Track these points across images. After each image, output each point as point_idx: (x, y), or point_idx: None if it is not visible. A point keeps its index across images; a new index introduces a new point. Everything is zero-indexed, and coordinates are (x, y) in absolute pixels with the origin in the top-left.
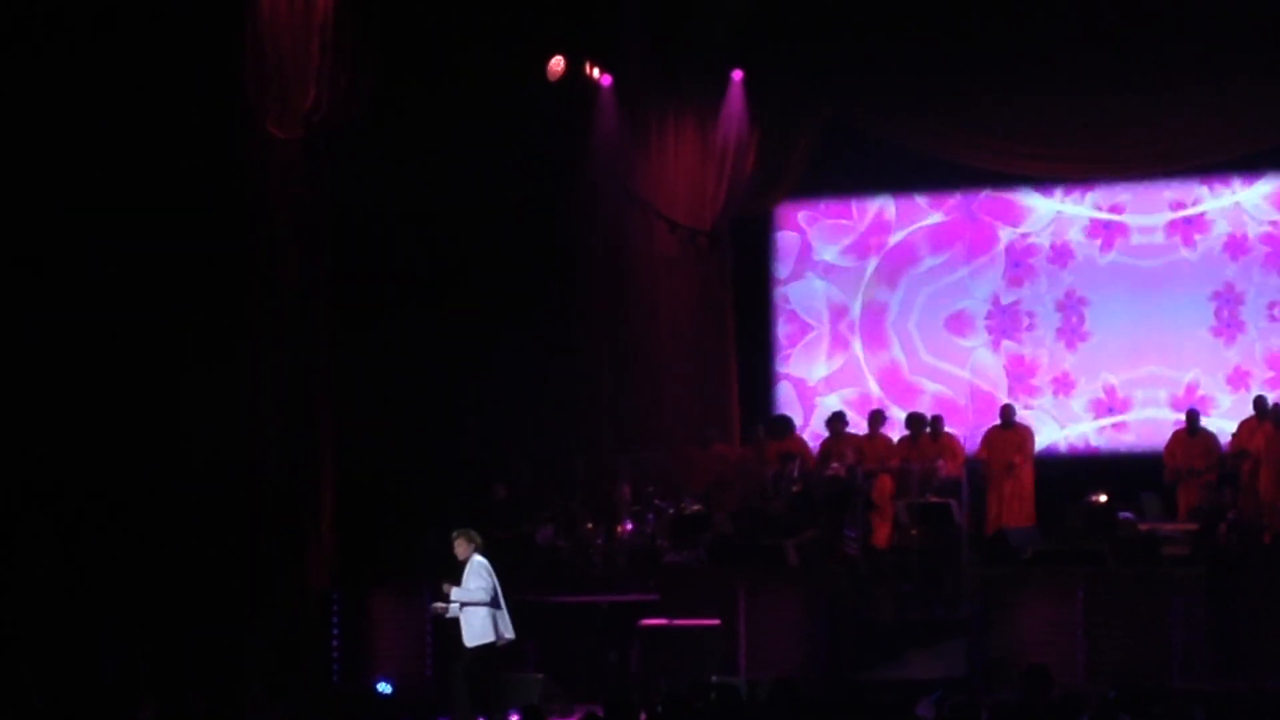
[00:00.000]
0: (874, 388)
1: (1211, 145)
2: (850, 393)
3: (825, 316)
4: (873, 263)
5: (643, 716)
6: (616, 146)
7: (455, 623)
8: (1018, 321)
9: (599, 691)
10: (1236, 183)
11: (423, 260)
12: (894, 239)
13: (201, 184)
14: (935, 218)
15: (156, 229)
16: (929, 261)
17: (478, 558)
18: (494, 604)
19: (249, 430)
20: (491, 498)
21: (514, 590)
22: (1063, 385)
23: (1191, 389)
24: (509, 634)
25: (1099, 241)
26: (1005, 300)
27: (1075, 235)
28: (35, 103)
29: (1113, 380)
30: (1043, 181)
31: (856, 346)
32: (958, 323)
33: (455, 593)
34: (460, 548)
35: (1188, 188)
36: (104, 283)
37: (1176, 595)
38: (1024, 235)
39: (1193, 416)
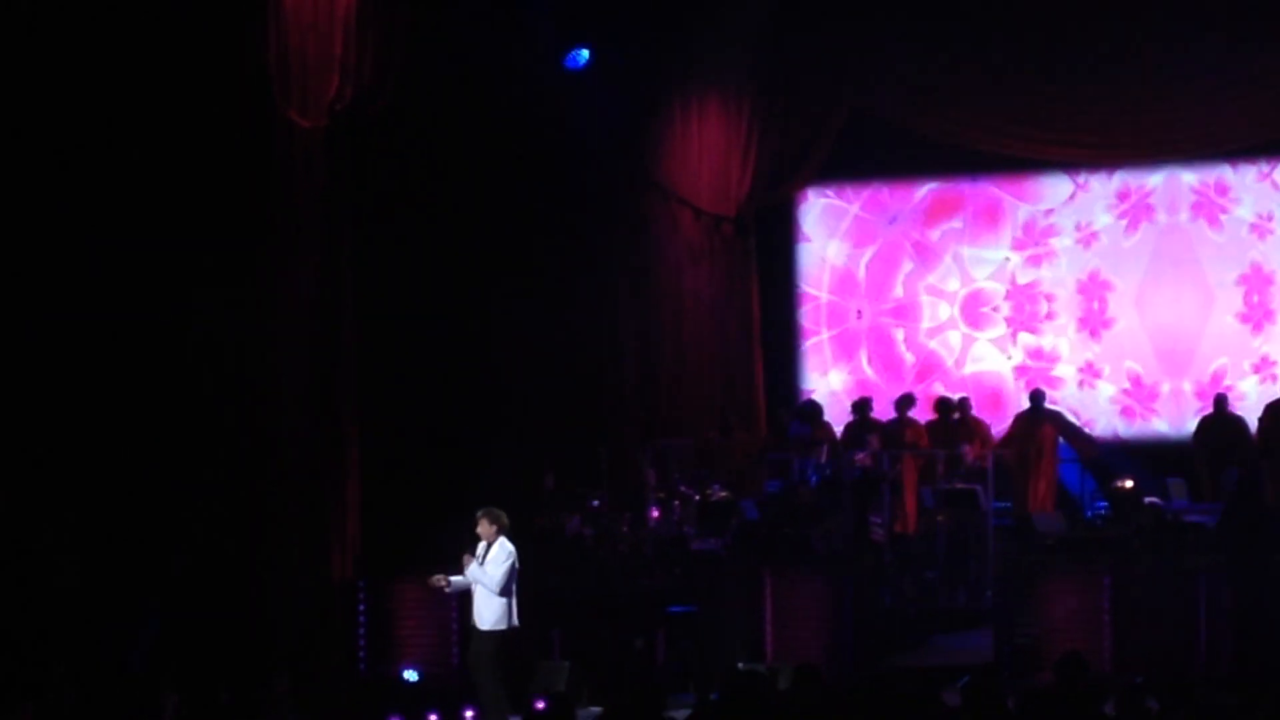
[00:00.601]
0: (899, 372)
1: (1239, 130)
2: (875, 378)
3: (850, 301)
4: (899, 247)
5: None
6: (640, 135)
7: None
8: (1037, 307)
9: (625, 679)
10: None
11: (444, 250)
12: (918, 224)
13: (224, 172)
14: (957, 201)
15: (179, 217)
16: (952, 246)
17: (505, 542)
18: (505, 592)
19: (273, 420)
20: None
21: (540, 578)
22: (1088, 375)
23: (1218, 377)
24: (516, 622)
25: (1124, 223)
26: (1023, 281)
27: (1100, 217)
28: (60, 89)
29: (1138, 369)
30: (1068, 167)
31: (881, 331)
32: (979, 306)
33: (471, 570)
34: (483, 527)
35: (1214, 170)
36: (124, 274)
37: (1203, 581)
38: (1046, 214)
39: (1220, 401)
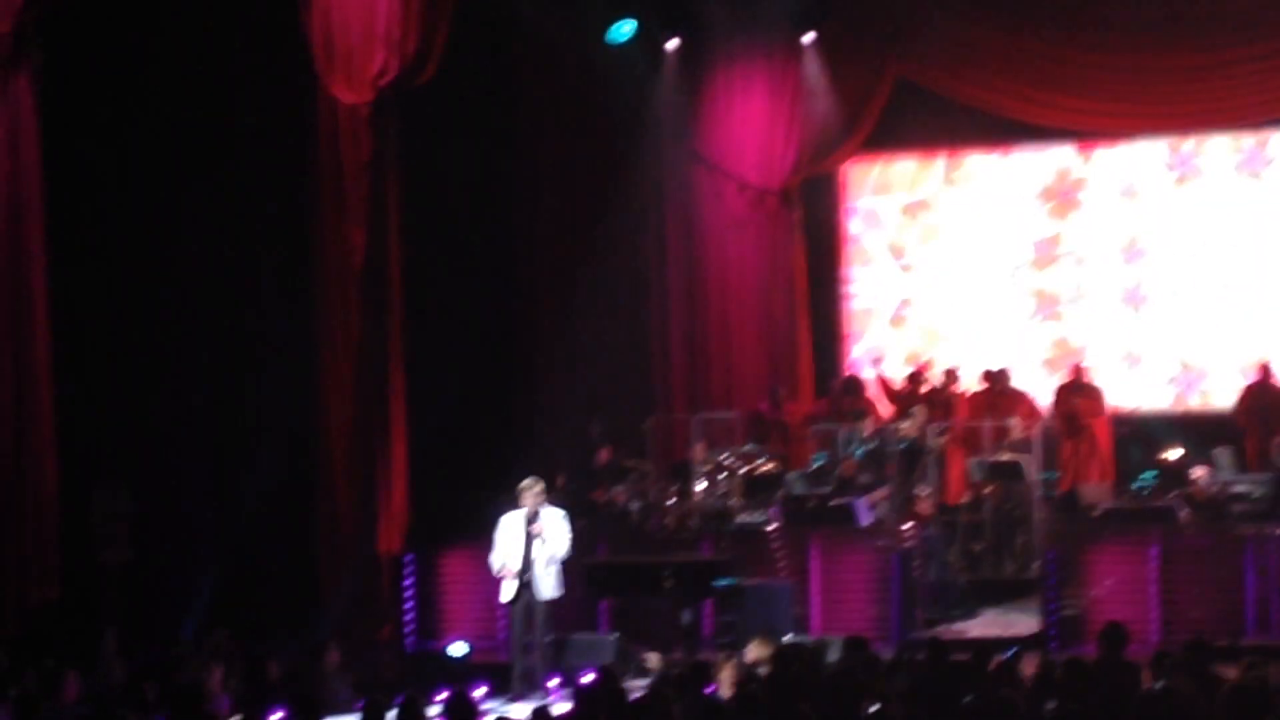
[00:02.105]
0: (943, 344)
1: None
2: (920, 349)
3: (896, 274)
4: (942, 218)
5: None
6: (684, 108)
7: (527, 577)
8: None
9: (673, 651)
10: None
11: (492, 224)
12: (962, 194)
13: (271, 150)
14: (1003, 172)
15: (226, 193)
16: (995, 219)
17: (553, 508)
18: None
19: (321, 395)
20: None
21: (587, 551)
22: (1131, 359)
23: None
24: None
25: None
26: (1067, 257)
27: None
28: (106, 71)
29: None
30: (1110, 136)
31: (927, 303)
32: (1021, 280)
33: (538, 541)
34: (530, 498)
35: (1261, 137)
36: (176, 255)
37: (1251, 551)
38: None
39: (1264, 370)
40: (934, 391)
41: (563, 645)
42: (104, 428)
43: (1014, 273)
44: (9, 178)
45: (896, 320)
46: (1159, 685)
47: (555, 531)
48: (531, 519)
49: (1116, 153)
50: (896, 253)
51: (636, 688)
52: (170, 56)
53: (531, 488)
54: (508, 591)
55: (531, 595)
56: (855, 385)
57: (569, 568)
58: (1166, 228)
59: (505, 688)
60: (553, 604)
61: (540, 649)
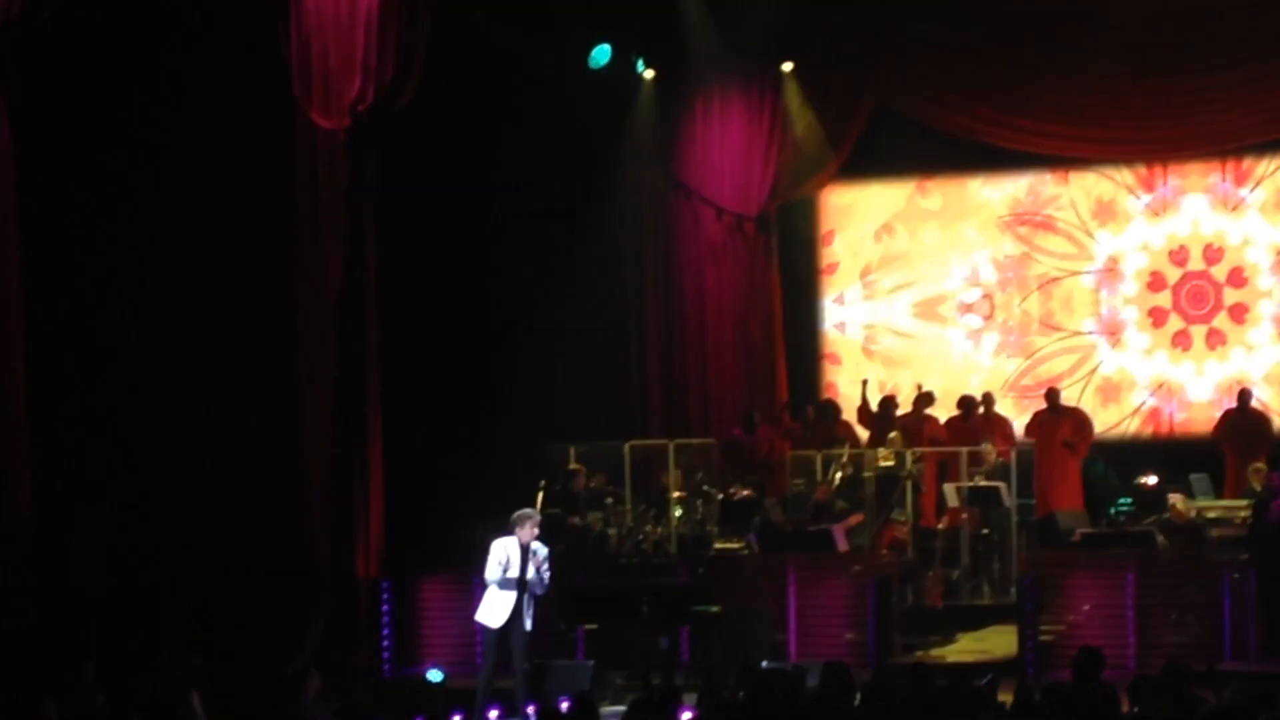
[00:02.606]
0: (922, 369)
1: (1267, 125)
2: (898, 374)
3: (873, 301)
4: (921, 245)
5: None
6: (663, 134)
7: (518, 608)
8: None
9: (649, 678)
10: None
11: (467, 250)
12: (940, 221)
13: (249, 175)
14: (983, 200)
15: (204, 218)
16: (977, 244)
17: (539, 545)
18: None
19: (299, 420)
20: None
21: (563, 577)
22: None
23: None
24: None
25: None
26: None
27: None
28: (83, 96)
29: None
30: (1092, 164)
31: (904, 328)
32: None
33: (530, 576)
34: (526, 531)
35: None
36: (148, 279)
37: (1227, 578)
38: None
39: (1244, 396)
40: (909, 416)
41: (540, 672)
42: (80, 452)
43: (986, 297)
44: None
45: (870, 346)
46: (1136, 711)
47: (541, 566)
48: (528, 550)
49: (1090, 178)
50: (870, 279)
51: (613, 713)
52: (148, 80)
53: (530, 518)
54: (497, 617)
55: (519, 625)
56: (830, 410)
57: (547, 594)
58: (1144, 251)
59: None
60: (531, 635)
61: (521, 675)
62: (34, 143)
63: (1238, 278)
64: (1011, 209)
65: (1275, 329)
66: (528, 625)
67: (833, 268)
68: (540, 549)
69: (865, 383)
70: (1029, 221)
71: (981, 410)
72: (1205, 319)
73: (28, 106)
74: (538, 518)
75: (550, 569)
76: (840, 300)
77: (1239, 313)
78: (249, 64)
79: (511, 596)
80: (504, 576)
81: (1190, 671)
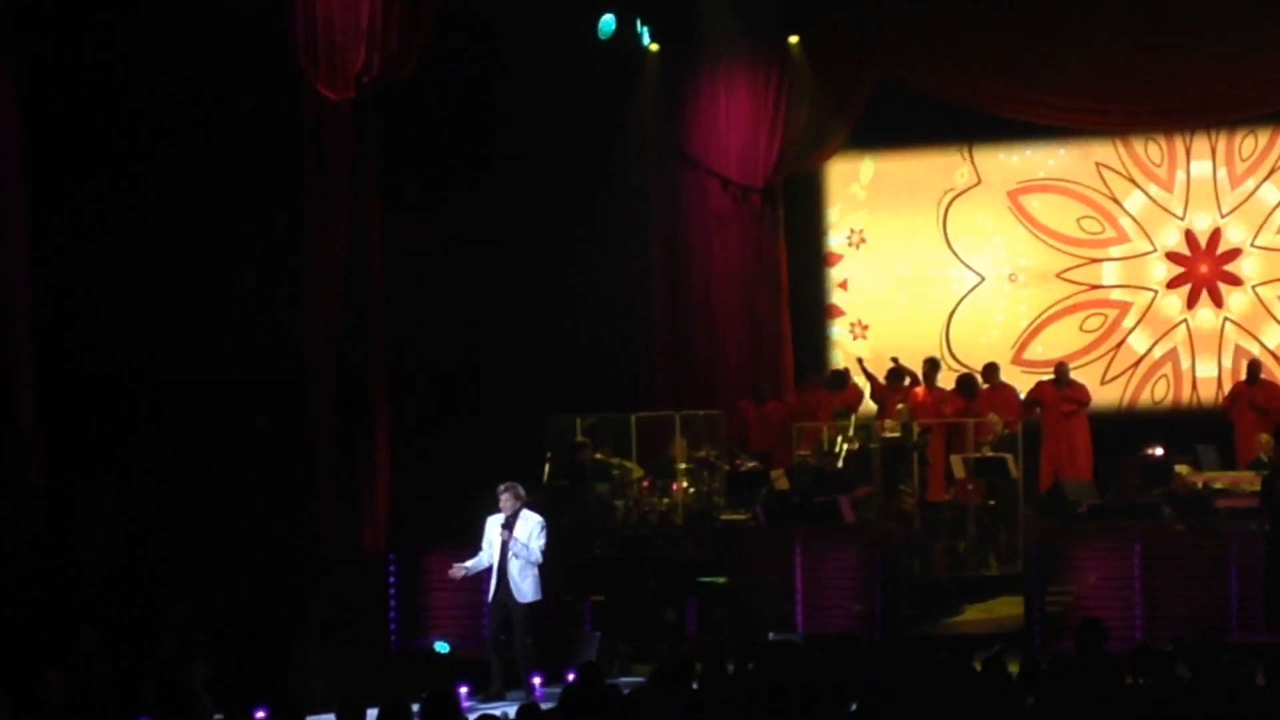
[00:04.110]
0: (927, 338)
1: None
2: (903, 345)
3: (877, 270)
4: (926, 216)
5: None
6: (668, 105)
7: (503, 580)
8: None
9: (656, 650)
10: None
11: (473, 222)
12: (949, 193)
13: (253, 145)
14: (986, 171)
15: (209, 189)
16: (981, 219)
17: (530, 513)
18: (538, 564)
19: (304, 392)
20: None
21: (572, 549)
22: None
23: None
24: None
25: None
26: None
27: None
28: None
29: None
30: (1098, 135)
31: (906, 299)
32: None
33: (512, 545)
34: (506, 501)
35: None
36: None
37: (1234, 549)
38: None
39: (1254, 367)
40: (915, 387)
41: (546, 643)
42: (86, 424)
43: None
44: None
45: (877, 316)
46: (1140, 681)
47: (530, 535)
48: (508, 523)
49: (1096, 148)
50: (876, 248)
51: (621, 685)
52: (153, 52)
53: (509, 489)
54: (491, 588)
55: (509, 598)
56: (839, 380)
57: (552, 565)
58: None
59: (485, 687)
60: (531, 606)
61: (521, 649)
62: (38, 113)
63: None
64: (1021, 178)
65: None
66: (523, 597)
67: (839, 238)
68: (532, 516)
69: (861, 361)
70: (1041, 188)
71: (987, 380)
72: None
73: (31, 78)
74: (518, 488)
75: (545, 537)
76: (844, 272)
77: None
78: (253, 36)
79: (502, 567)
80: (492, 550)
81: (1197, 643)
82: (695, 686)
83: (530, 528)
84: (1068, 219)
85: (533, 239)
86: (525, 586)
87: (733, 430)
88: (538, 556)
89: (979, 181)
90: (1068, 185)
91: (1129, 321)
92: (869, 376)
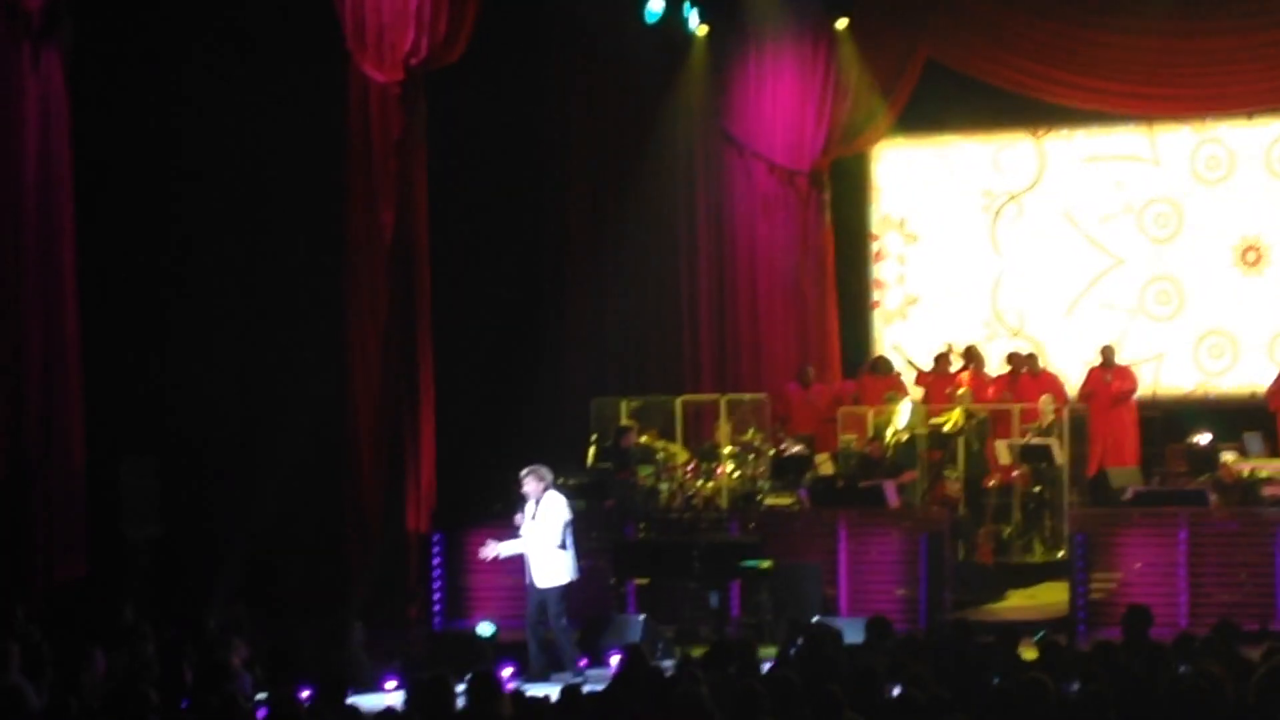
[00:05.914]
0: (974, 326)
1: None
2: (949, 331)
3: (923, 255)
4: (972, 201)
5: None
6: (715, 88)
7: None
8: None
9: (700, 633)
10: None
11: (520, 204)
12: (994, 178)
13: (302, 126)
14: (1035, 156)
15: (257, 170)
16: (1029, 201)
17: (554, 496)
18: (563, 546)
19: (349, 373)
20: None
21: (615, 532)
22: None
23: None
24: (575, 575)
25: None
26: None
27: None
28: (136, 48)
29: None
30: (1142, 120)
31: (954, 284)
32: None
33: (526, 529)
34: (530, 485)
35: None
36: (200, 232)
37: None
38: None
39: None
40: (961, 373)
41: (591, 625)
42: (133, 403)
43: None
44: (40, 152)
45: (924, 303)
46: (1185, 668)
47: (550, 518)
48: (539, 504)
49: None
50: (923, 235)
51: (665, 668)
52: (202, 34)
53: (533, 472)
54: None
55: (536, 578)
56: (884, 366)
57: (598, 548)
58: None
59: (528, 669)
60: (562, 589)
61: (557, 631)
62: (88, 95)
63: None
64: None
65: None
66: (546, 581)
67: (885, 222)
68: (557, 499)
69: (901, 349)
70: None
71: (1031, 368)
72: None
73: (81, 60)
74: (541, 471)
75: (569, 520)
76: (890, 256)
77: None
78: (302, 17)
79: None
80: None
81: (1240, 630)
82: (737, 669)
83: (550, 509)
84: (1116, 203)
85: (579, 221)
86: (549, 570)
87: (777, 414)
88: (559, 540)
89: (1031, 167)
90: (1120, 165)
91: (1176, 307)
92: (912, 364)
